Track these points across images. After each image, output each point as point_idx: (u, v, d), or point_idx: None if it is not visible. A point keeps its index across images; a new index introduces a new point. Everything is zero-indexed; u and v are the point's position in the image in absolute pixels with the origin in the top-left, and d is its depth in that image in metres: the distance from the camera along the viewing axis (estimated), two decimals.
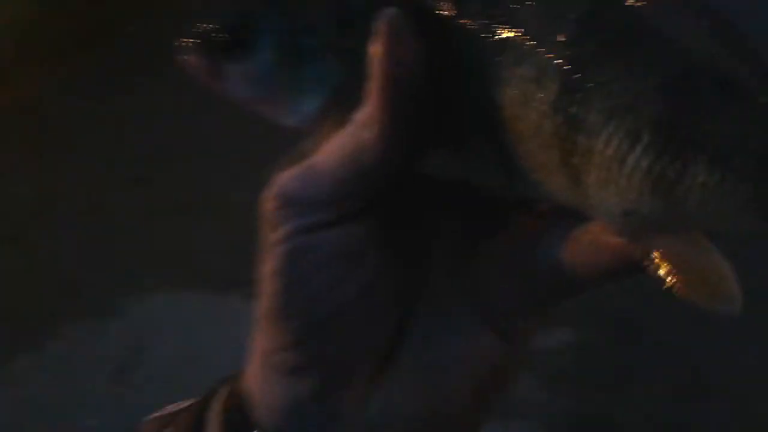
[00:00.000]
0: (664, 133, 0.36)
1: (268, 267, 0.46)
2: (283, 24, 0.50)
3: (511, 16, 0.41)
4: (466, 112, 0.44)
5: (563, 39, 0.38)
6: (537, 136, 0.40)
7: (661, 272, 0.38)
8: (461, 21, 0.43)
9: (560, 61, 0.38)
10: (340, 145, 0.45)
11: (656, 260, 0.39)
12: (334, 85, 0.48)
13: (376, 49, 0.43)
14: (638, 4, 0.38)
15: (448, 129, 0.46)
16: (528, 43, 0.40)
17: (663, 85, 0.36)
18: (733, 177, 0.36)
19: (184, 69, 0.53)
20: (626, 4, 0.38)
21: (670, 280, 0.38)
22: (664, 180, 0.37)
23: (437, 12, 0.43)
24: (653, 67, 0.37)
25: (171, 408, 0.54)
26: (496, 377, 0.49)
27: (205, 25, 0.53)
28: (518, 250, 0.46)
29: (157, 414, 0.54)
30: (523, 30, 0.40)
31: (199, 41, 0.52)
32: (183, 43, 0.52)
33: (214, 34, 0.52)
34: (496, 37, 0.41)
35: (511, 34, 0.40)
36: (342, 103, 0.47)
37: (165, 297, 2.55)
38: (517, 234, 0.47)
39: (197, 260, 2.63)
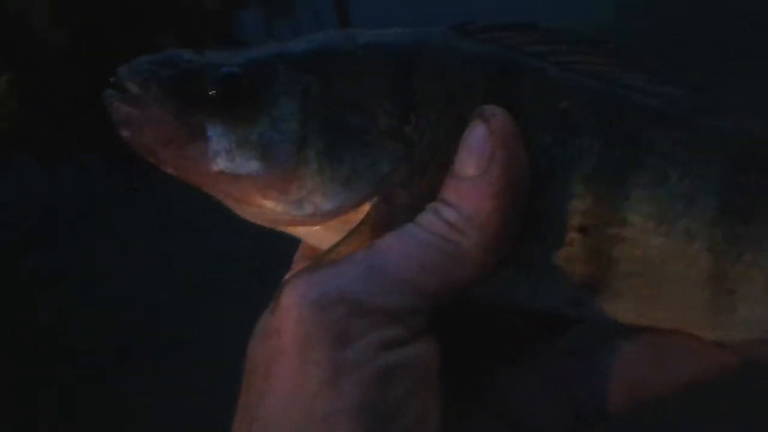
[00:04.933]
0: None
1: (341, 401, 0.35)
2: (320, 88, 0.41)
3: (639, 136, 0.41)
4: (561, 227, 0.41)
5: (718, 161, 0.41)
6: (679, 253, 0.41)
7: None
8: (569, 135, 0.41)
9: (721, 181, 0.41)
10: (420, 249, 0.37)
11: None
12: (383, 176, 0.40)
13: (492, 149, 0.38)
14: None
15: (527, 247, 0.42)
16: (673, 163, 0.41)
17: None
18: None
19: (123, 119, 0.40)
20: None
21: None
22: None
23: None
24: None
25: None
26: None
27: (185, 65, 0.40)
28: (559, 366, 0.45)
29: None
30: (664, 151, 0.41)
31: (170, 86, 0.40)
32: (135, 82, 0.39)
33: (201, 81, 0.40)
34: (623, 154, 0.41)
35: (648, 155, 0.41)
36: (393, 195, 0.40)
37: None
38: (546, 355, 0.45)
39: None
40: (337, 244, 0.40)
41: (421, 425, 0.36)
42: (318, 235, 0.42)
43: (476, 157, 0.38)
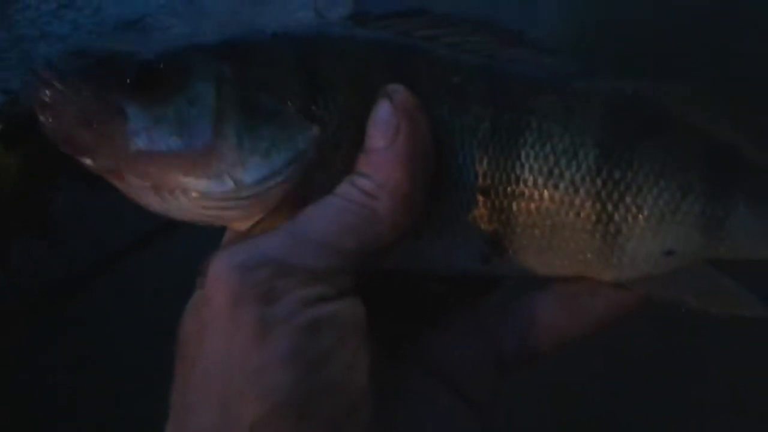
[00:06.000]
0: (711, 184, 0.46)
1: (272, 352, 0.37)
2: (233, 74, 0.44)
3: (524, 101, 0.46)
4: (464, 191, 0.45)
5: (595, 118, 0.46)
6: (568, 203, 0.45)
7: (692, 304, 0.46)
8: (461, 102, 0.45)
9: (599, 134, 0.45)
10: (339, 215, 0.41)
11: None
12: (300, 150, 0.44)
13: (397, 122, 0.42)
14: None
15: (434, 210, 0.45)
16: (555, 123, 0.45)
17: (705, 154, 0.47)
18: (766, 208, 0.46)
19: (42, 104, 0.42)
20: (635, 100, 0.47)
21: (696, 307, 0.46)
22: (713, 219, 0.46)
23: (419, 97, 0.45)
24: (690, 141, 0.47)
25: None
26: None
27: (101, 53, 0.43)
28: (479, 321, 0.48)
29: None
30: (547, 113, 0.45)
31: (87, 71, 0.42)
32: (51, 70, 0.41)
33: (117, 67, 0.42)
34: (511, 119, 0.45)
35: (533, 118, 0.45)
36: (310, 174, 0.44)
37: None
38: (469, 308, 0.49)
39: None
40: (258, 222, 0.43)
41: (350, 373, 0.39)
42: (238, 224, 0.45)
43: (383, 130, 0.42)
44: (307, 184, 0.44)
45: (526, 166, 0.45)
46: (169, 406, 0.40)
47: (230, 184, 0.43)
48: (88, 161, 0.43)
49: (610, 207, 0.45)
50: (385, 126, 0.42)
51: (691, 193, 0.45)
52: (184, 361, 0.40)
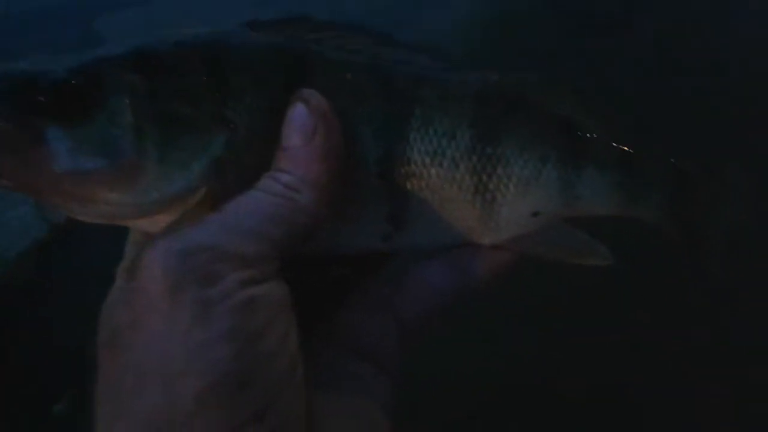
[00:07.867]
0: (565, 153, 0.54)
1: (213, 329, 0.40)
2: (146, 85, 0.45)
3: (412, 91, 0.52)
4: (364, 176, 0.50)
5: (467, 103, 0.52)
6: (451, 178, 0.52)
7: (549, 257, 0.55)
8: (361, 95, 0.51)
9: (472, 117, 0.52)
10: (265, 207, 0.45)
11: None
12: (216, 156, 0.46)
13: (314, 123, 0.46)
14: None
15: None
16: (436, 110, 0.52)
17: (557, 129, 0.54)
18: (609, 170, 0.55)
19: None
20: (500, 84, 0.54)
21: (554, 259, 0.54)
22: (568, 182, 0.54)
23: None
24: (544, 119, 0.54)
25: None
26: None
27: (14, 76, 0.43)
28: (378, 294, 0.54)
29: None
30: (428, 102, 0.52)
31: (4, 93, 0.42)
32: None
33: (32, 89, 0.43)
34: (399, 108, 0.51)
35: (417, 106, 0.52)
36: (224, 173, 0.47)
37: None
38: (369, 282, 0.55)
39: None
40: (183, 216, 0.46)
41: (283, 344, 0.42)
42: (159, 222, 0.47)
43: (301, 130, 0.46)
44: (222, 181, 0.47)
45: (415, 149, 0.51)
46: (97, 397, 0.41)
47: (155, 195, 0.45)
48: (4, 183, 0.43)
49: (485, 178, 0.53)
50: (302, 126, 0.46)
51: (549, 161, 0.54)
52: (116, 350, 0.41)
